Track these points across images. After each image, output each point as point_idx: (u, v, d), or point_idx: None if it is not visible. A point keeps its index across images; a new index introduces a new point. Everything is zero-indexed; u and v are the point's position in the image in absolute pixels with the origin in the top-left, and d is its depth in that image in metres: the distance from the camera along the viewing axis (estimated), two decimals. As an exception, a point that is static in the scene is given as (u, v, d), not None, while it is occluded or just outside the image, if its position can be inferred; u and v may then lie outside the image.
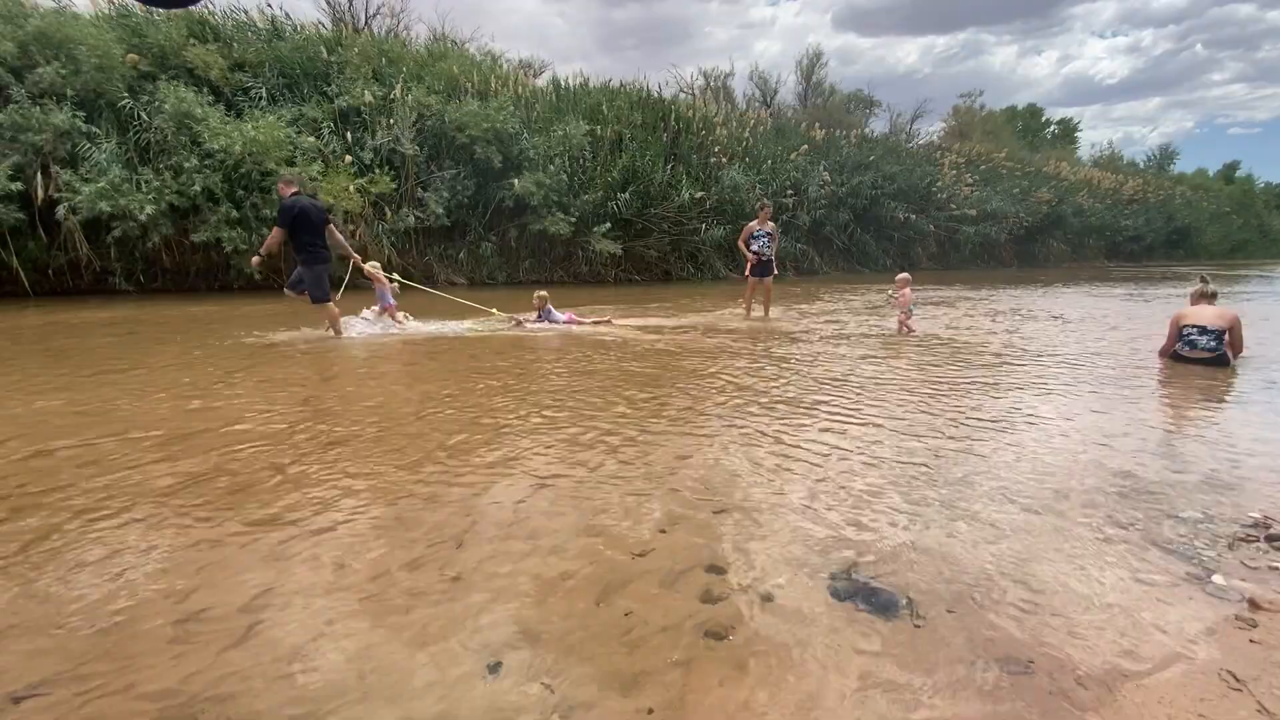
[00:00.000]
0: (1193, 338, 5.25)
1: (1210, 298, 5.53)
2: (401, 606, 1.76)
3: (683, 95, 22.35)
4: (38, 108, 9.20)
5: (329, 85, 12.14)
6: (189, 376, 4.57)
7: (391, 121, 12.00)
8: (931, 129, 34.34)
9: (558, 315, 7.42)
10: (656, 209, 14.29)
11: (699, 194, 14.93)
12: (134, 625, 1.67)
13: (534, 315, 7.41)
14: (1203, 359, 5.16)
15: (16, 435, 3.21)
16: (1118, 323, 7.99)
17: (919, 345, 6.28)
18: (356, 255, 7.05)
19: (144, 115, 10.10)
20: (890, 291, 7.65)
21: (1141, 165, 45.23)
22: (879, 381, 4.58)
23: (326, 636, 1.62)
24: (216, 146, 9.96)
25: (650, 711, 1.38)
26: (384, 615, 1.72)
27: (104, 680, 1.46)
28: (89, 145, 9.60)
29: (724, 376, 4.71)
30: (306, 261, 6.15)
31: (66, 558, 2.01)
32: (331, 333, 6.41)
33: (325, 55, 12.51)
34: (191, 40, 11.29)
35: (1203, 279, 5.75)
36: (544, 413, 3.69)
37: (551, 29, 76.59)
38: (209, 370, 4.78)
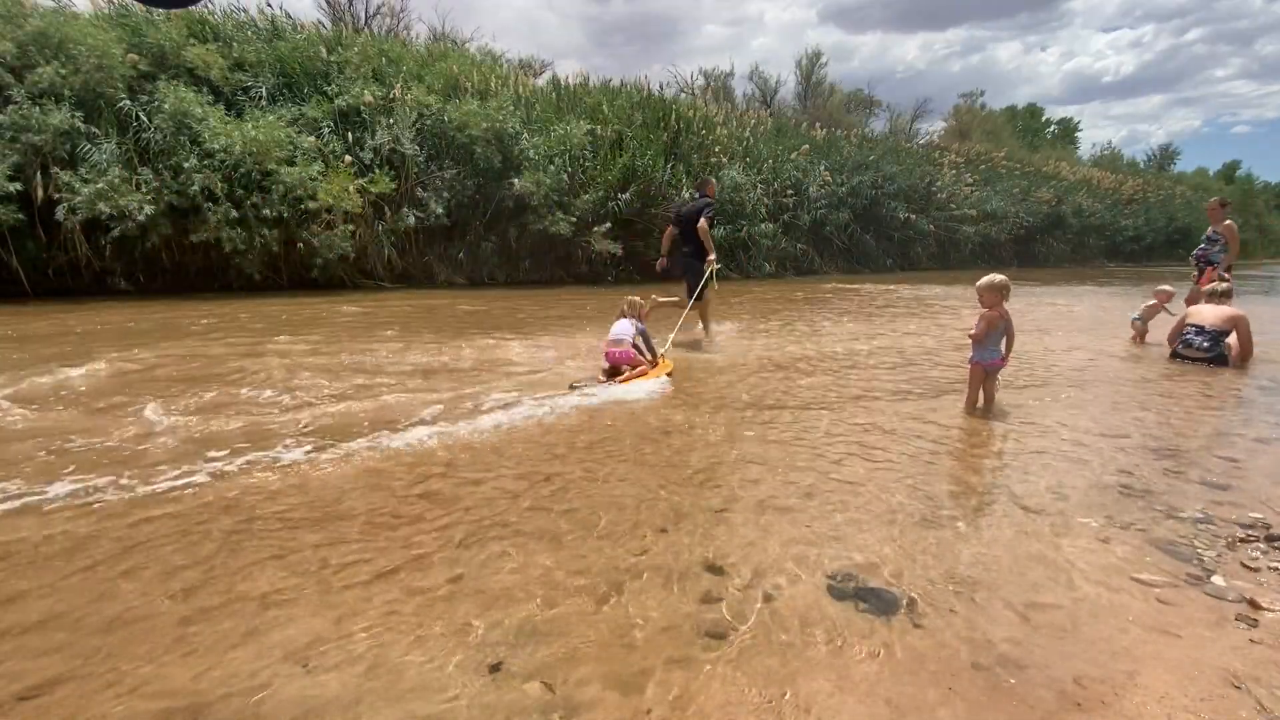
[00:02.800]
0: (1189, 337, 5.34)
1: (1220, 297, 5.61)
2: (403, 606, 1.76)
3: (683, 95, 22.33)
4: (37, 108, 9.20)
5: (329, 85, 12.13)
6: None
7: (391, 121, 11.99)
8: (932, 129, 34.32)
9: None
10: (657, 209, 14.28)
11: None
12: (140, 625, 1.67)
13: None
14: (1198, 358, 5.23)
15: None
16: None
17: (911, 345, 6.27)
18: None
19: (143, 115, 10.09)
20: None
21: (1142, 165, 45.30)
22: (879, 382, 4.58)
23: (329, 636, 1.62)
24: (217, 146, 9.95)
25: (650, 711, 1.38)
26: (385, 615, 1.72)
27: (109, 679, 1.46)
28: (88, 145, 9.59)
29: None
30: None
31: (77, 556, 2.01)
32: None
33: (325, 55, 12.50)
34: (191, 40, 11.28)
35: (1220, 277, 5.81)
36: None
37: (542, 23, 76.87)
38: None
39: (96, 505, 2.36)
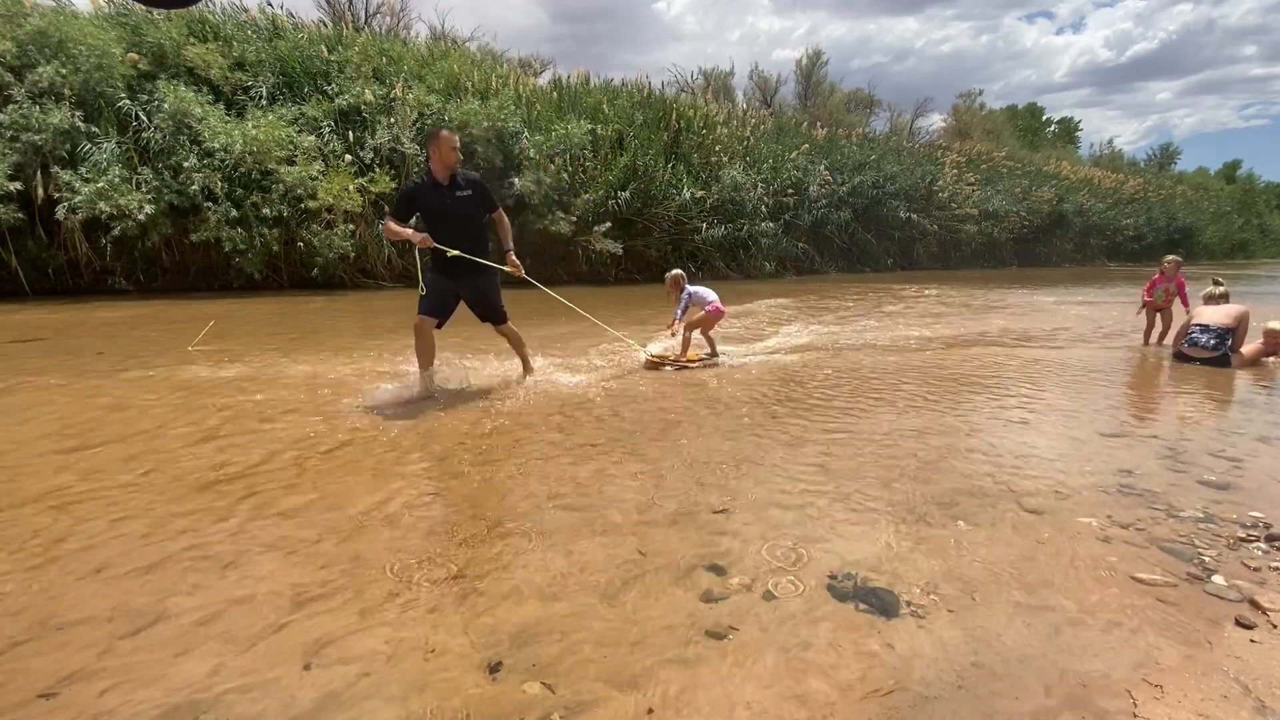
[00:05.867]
0: (1194, 336, 5.36)
1: (1219, 299, 5.64)
2: (403, 605, 1.76)
3: (683, 95, 22.32)
4: (37, 107, 9.20)
5: (329, 84, 12.13)
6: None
7: (392, 120, 12.00)
8: (932, 126, 34.32)
9: None
10: (657, 208, 14.27)
11: (699, 193, 14.92)
12: (142, 626, 1.67)
13: None
14: (1203, 357, 5.24)
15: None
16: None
17: (925, 349, 6.27)
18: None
19: (143, 115, 10.10)
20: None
21: (1142, 165, 45.34)
22: (878, 381, 4.58)
23: (328, 637, 1.62)
24: (216, 146, 9.96)
25: (650, 711, 1.38)
26: (384, 614, 1.72)
27: (113, 682, 1.46)
28: (88, 145, 9.60)
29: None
30: None
31: (87, 557, 2.01)
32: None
33: (325, 54, 12.51)
34: (191, 39, 11.29)
35: (1215, 281, 5.87)
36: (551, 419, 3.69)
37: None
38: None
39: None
